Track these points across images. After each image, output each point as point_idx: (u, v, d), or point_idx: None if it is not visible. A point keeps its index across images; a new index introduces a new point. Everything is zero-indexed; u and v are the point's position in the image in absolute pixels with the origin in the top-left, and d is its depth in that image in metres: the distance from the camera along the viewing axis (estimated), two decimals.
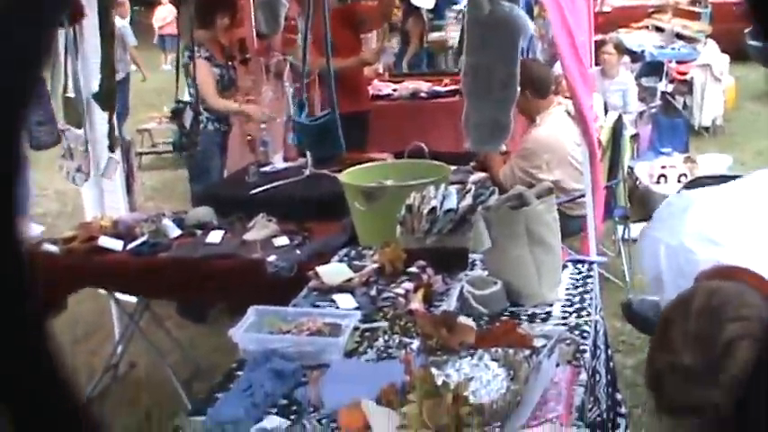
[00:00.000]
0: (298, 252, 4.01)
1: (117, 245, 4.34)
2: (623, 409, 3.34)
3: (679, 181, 7.00)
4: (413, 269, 3.09)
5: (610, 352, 3.29)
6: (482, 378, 2.26)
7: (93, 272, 4.39)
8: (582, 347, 2.59)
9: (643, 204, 7.30)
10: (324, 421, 2.30)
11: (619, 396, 3.31)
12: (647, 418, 4.20)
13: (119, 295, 4.87)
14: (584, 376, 2.42)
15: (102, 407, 4.70)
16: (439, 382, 2.13)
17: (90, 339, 5.61)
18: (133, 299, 4.84)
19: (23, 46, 0.46)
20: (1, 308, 0.44)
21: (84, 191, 5.88)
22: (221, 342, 5.02)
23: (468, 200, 3.25)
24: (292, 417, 2.35)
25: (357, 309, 2.95)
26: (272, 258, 3.93)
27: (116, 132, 5.42)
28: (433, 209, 3.23)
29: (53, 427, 0.45)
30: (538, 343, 2.57)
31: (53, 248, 4.38)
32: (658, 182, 7.31)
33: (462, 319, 2.64)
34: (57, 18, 0.49)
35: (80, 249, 4.34)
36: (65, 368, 0.45)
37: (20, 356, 0.44)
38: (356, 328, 2.79)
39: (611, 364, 3.29)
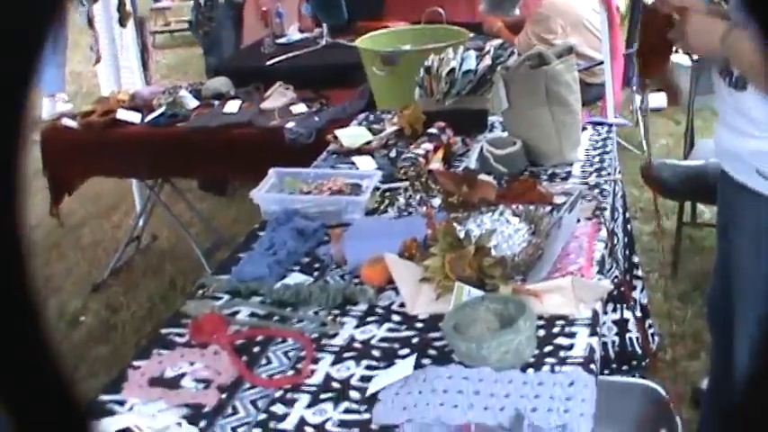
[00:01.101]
0: (316, 119, 3.99)
1: (135, 117, 4.34)
2: (640, 272, 3.36)
3: None
4: (432, 130, 3.08)
5: (627, 215, 3.29)
6: (503, 232, 2.27)
7: (112, 148, 4.40)
8: (602, 205, 2.60)
9: None
10: (346, 277, 2.33)
11: (636, 259, 3.33)
12: (664, 282, 4.24)
13: None
14: (604, 233, 2.43)
15: (126, 277, 4.79)
16: (461, 236, 2.15)
17: (112, 214, 5.68)
18: None
19: None
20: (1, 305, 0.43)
21: (100, 69, 5.84)
22: (242, 213, 5.09)
23: (487, 61, 3.21)
24: (315, 273, 2.38)
25: (377, 170, 2.96)
26: (290, 125, 3.92)
27: (127, 6, 5.34)
28: (452, 70, 3.19)
29: (54, 427, 0.44)
30: (558, 200, 2.57)
31: (72, 123, 4.38)
32: (676, 51, 7.17)
33: (483, 177, 2.65)
34: None
35: (98, 123, 4.33)
36: (65, 366, 0.44)
37: (20, 354, 0.43)
38: (377, 188, 2.80)
39: (629, 227, 3.30)
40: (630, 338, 3.14)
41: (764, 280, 2.29)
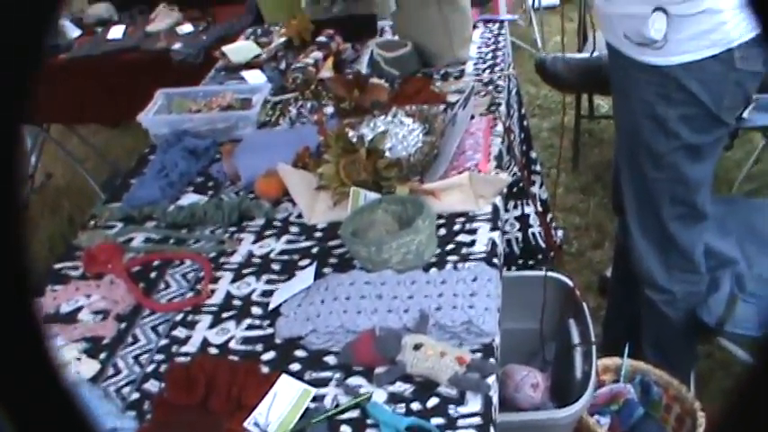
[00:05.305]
0: (204, 38, 3.87)
1: None
2: (538, 167, 3.37)
3: None
4: (321, 39, 3.01)
5: (523, 111, 3.28)
6: (398, 134, 2.23)
7: None
8: (497, 101, 2.57)
9: None
10: (241, 193, 2.27)
11: (533, 154, 3.33)
12: (565, 176, 4.27)
13: None
14: (500, 128, 2.40)
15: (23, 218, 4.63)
16: (354, 140, 2.10)
17: None
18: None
19: None
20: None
21: None
22: (137, 143, 4.92)
23: None
24: (209, 192, 2.32)
25: (267, 83, 2.88)
26: (177, 47, 3.79)
27: None
28: None
29: (53, 427, 0.44)
30: (452, 98, 2.54)
31: None
32: None
33: (374, 80, 2.59)
34: None
35: None
36: (61, 367, 0.41)
37: (18, 355, 0.42)
38: (267, 102, 2.73)
39: (526, 123, 3.29)
40: (533, 233, 3.16)
41: (628, 132, 2.33)
